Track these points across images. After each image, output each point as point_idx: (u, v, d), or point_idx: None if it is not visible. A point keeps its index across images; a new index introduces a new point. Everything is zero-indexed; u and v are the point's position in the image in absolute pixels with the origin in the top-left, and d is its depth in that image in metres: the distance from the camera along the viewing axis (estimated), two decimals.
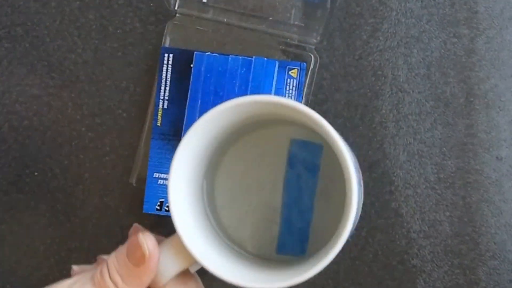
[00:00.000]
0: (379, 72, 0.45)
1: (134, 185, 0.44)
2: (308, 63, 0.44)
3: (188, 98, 0.42)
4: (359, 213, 0.33)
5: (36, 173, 0.45)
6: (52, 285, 0.33)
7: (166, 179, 0.43)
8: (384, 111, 0.45)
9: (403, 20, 0.45)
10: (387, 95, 0.45)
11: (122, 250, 0.32)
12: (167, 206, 0.43)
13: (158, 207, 0.43)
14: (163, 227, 0.44)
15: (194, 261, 0.32)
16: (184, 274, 0.34)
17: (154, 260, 0.31)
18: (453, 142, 0.45)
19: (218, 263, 0.32)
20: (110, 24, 0.45)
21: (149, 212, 0.43)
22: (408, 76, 0.45)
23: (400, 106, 0.45)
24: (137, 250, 0.31)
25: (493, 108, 0.45)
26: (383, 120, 0.45)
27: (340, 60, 0.45)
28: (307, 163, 0.36)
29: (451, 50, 0.45)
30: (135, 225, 0.38)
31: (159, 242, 0.32)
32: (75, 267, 0.36)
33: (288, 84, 0.43)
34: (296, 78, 0.43)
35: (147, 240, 0.31)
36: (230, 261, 0.34)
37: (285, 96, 0.43)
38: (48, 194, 0.45)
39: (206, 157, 0.36)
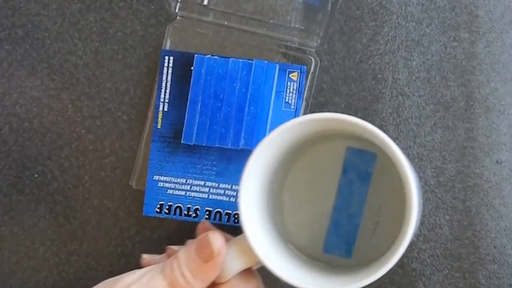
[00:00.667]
0: (379, 76, 0.45)
1: (134, 187, 0.44)
2: (309, 66, 0.44)
3: (188, 101, 0.42)
4: (420, 216, 0.35)
5: (36, 175, 0.45)
6: (124, 275, 0.35)
7: (166, 181, 0.43)
8: (384, 115, 0.45)
9: (403, 23, 0.45)
10: (387, 99, 0.45)
11: (192, 246, 0.34)
12: (167, 209, 0.43)
13: (158, 210, 0.43)
14: (163, 229, 0.44)
15: (257, 261, 0.34)
16: (247, 271, 0.36)
17: (222, 258, 0.33)
18: (453, 146, 0.45)
19: (280, 264, 0.34)
20: (110, 26, 0.45)
21: (149, 215, 0.43)
22: (408, 80, 0.45)
23: (400, 109, 0.45)
24: (206, 247, 0.33)
25: (493, 112, 0.45)
26: (383, 123, 0.45)
27: (340, 63, 0.45)
28: (360, 170, 0.38)
29: (452, 54, 0.45)
30: (203, 221, 0.40)
31: (226, 241, 0.35)
32: (145, 256, 0.39)
33: (288, 87, 0.43)
34: (296, 81, 0.43)
35: (216, 238, 0.33)
36: (291, 263, 0.36)
37: (284, 99, 0.43)
38: (48, 196, 0.45)
39: (272, 166, 0.38)
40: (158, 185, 0.43)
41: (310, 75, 0.44)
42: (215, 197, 0.43)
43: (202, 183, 0.43)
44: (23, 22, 0.45)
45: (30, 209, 0.44)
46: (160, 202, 0.43)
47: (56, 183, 0.45)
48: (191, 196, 0.43)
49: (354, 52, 0.45)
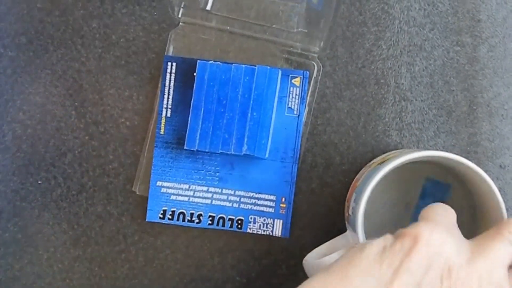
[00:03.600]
0: (382, 81, 0.45)
1: (138, 193, 0.44)
2: (311, 71, 0.44)
3: (191, 107, 0.42)
4: None
5: (39, 182, 0.45)
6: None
7: (169, 187, 0.43)
8: (387, 119, 0.45)
9: (406, 28, 0.45)
10: (390, 104, 0.45)
11: None
12: (170, 215, 0.43)
13: (161, 216, 0.43)
14: (166, 235, 0.44)
15: None
16: None
17: None
18: (456, 151, 0.44)
19: None
20: (113, 33, 0.45)
21: (152, 221, 0.43)
22: (411, 85, 0.45)
23: (403, 114, 0.45)
24: None
25: (496, 116, 0.45)
26: (386, 128, 0.45)
27: (343, 68, 0.45)
28: (436, 197, 0.42)
29: (454, 59, 0.45)
30: None
31: None
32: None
33: (291, 92, 0.43)
34: (299, 87, 0.43)
35: None
36: None
37: (287, 104, 0.43)
38: (51, 203, 0.45)
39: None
40: (161, 191, 0.43)
41: (312, 80, 0.44)
42: (218, 202, 0.43)
43: (205, 188, 0.43)
44: (27, 29, 0.45)
45: (34, 216, 0.44)
46: (163, 208, 0.43)
47: (59, 190, 0.45)
48: (194, 202, 0.43)
49: (356, 57, 0.45)
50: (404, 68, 0.45)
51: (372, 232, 0.43)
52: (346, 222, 0.43)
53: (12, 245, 0.45)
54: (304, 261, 0.41)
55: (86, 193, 0.45)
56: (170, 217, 0.43)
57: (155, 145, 0.43)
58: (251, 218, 0.43)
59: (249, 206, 0.43)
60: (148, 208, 0.43)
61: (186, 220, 0.43)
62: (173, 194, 0.43)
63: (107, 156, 0.45)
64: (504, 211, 0.37)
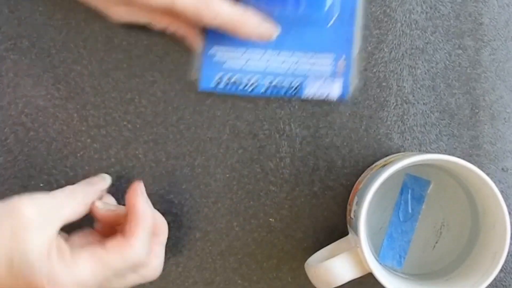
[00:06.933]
0: (384, 84, 0.45)
1: (194, 80, 0.44)
2: None
3: None
4: None
5: (41, 185, 0.45)
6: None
7: (223, 53, 0.42)
8: (389, 122, 0.45)
9: (408, 31, 0.45)
10: (392, 107, 0.45)
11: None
12: (224, 83, 0.42)
13: (216, 84, 0.42)
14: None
15: (366, 272, 0.37)
16: None
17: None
18: (459, 154, 0.44)
19: (384, 274, 0.38)
20: (115, 36, 0.45)
21: (206, 89, 0.43)
22: (413, 88, 0.45)
23: (405, 117, 0.45)
24: None
25: (499, 120, 0.45)
26: (388, 131, 0.45)
27: None
28: (415, 193, 0.43)
29: (456, 62, 0.45)
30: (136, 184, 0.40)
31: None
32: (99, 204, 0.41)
33: None
34: None
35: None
36: (395, 278, 0.41)
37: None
38: None
39: None
40: (215, 58, 0.42)
41: None
42: (274, 67, 0.42)
43: (262, 52, 0.42)
44: (29, 32, 0.45)
45: None
46: (218, 76, 0.42)
47: None
48: (249, 68, 0.42)
49: (359, 60, 0.45)
50: (406, 71, 0.45)
51: (374, 235, 0.43)
52: (348, 225, 0.43)
53: None
54: (306, 264, 0.41)
55: None
56: (224, 85, 0.42)
57: None
58: (307, 82, 0.42)
59: (307, 67, 0.42)
60: (202, 76, 0.42)
61: (240, 88, 0.42)
62: (228, 60, 0.42)
63: (109, 159, 0.45)
64: (506, 214, 0.37)
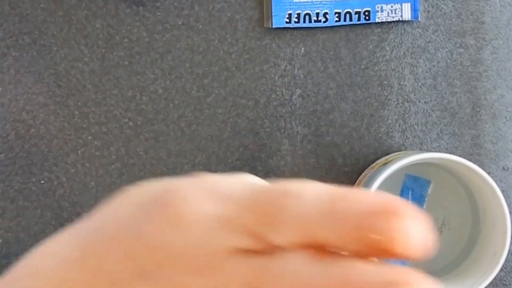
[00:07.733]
0: (385, 82, 0.45)
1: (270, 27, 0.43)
2: None
3: None
4: None
5: (42, 181, 0.45)
6: None
7: None
8: (390, 121, 0.45)
9: (409, 30, 0.45)
10: (393, 105, 0.45)
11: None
12: (296, 17, 0.43)
13: (288, 20, 0.43)
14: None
15: None
16: None
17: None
18: (460, 153, 0.44)
19: None
20: (117, 33, 0.45)
21: (279, 26, 0.43)
22: (414, 86, 0.45)
23: (406, 116, 0.45)
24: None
25: (500, 119, 0.45)
26: (389, 130, 0.45)
27: (346, 69, 0.45)
28: (415, 193, 0.43)
29: (458, 60, 0.45)
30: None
31: None
32: None
33: None
34: None
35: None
36: None
37: None
38: (54, 203, 0.45)
39: None
40: None
41: None
42: None
43: None
44: (30, 29, 0.45)
45: (36, 215, 0.45)
46: (288, 12, 0.43)
47: (62, 190, 0.45)
48: (318, 1, 0.43)
49: (360, 59, 0.45)
50: (408, 69, 0.45)
51: None
52: None
53: (15, 244, 0.45)
54: None
55: (89, 193, 0.45)
56: (296, 20, 0.43)
57: None
58: (378, 7, 0.43)
59: None
60: (272, 14, 0.43)
61: (312, 21, 0.43)
62: None
63: (110, 156, 0.45)
64: (507, 213, 0.37)
